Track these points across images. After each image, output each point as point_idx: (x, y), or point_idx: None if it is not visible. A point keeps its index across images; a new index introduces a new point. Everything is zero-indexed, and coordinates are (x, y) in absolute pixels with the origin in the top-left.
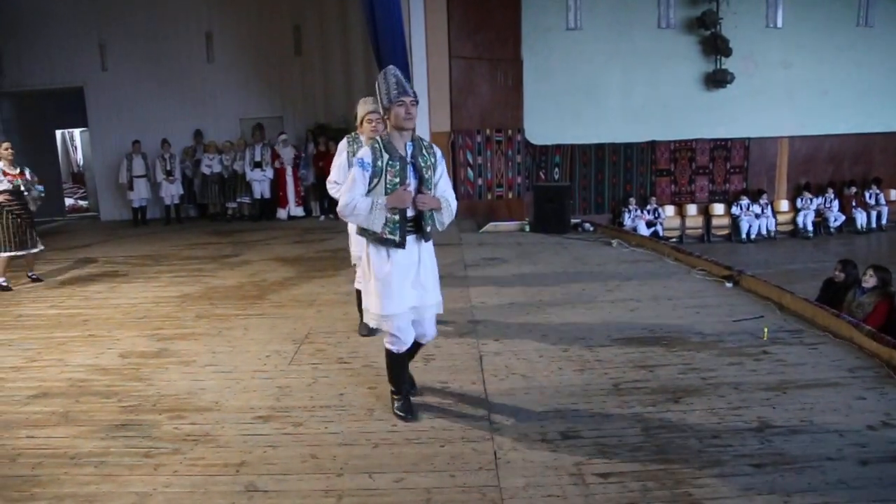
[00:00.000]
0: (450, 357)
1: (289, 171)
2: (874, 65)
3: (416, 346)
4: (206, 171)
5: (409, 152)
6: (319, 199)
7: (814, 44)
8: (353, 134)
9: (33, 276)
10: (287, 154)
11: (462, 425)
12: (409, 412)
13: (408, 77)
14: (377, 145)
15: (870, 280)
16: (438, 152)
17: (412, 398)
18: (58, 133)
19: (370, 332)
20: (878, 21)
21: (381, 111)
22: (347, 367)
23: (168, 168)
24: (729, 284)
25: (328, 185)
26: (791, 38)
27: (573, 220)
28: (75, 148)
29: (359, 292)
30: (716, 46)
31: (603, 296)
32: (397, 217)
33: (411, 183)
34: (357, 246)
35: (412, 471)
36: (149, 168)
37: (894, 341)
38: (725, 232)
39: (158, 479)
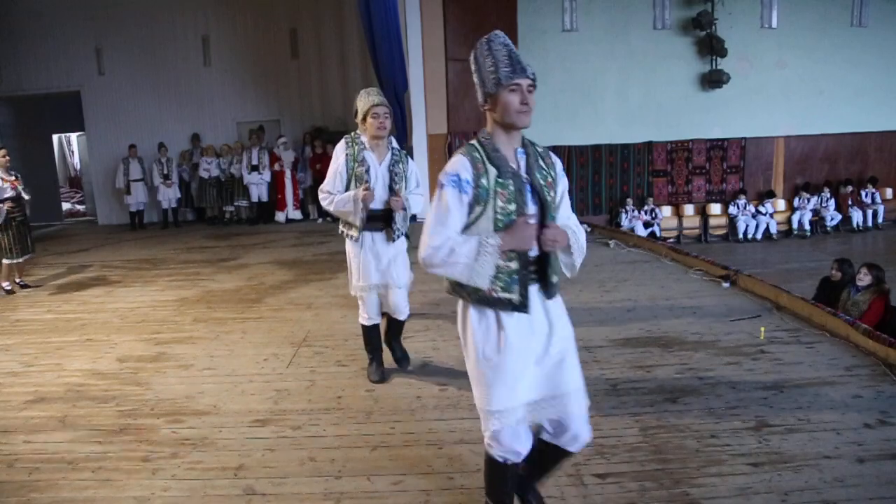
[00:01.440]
0: (448, 358)
1: (287, 174)
2: (868, 64)
3: (561, 453)
4: (203, 174)
5: (523, 164)
6: (317, 203)
7: (808, 44)
8: (352, 134)
9: (22, 284)
10: (287, 157)
11: (460, 427)
12: None
13: (404, 82)
14: (478, 153)
15: (864, 278)
16: (558, 162)
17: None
18: (55, 137)
19: (382, 377)
20: (872, 21)
21: (481, 98)
22: (345, 369)
23: (165, 172)
24: (726, 284)
25: (320, 195)
26: (786, 38)
27: None
28: (72, 152)
29: (364, 328)
30: (711, 47)
31: (600, 296)
32: (514, 264)
33: (532, 211)
34: (359, 275)
35: (411, 473)
36: (146, 172)
37: (890, 339)
38: (723, 232)
39: (156, 483)
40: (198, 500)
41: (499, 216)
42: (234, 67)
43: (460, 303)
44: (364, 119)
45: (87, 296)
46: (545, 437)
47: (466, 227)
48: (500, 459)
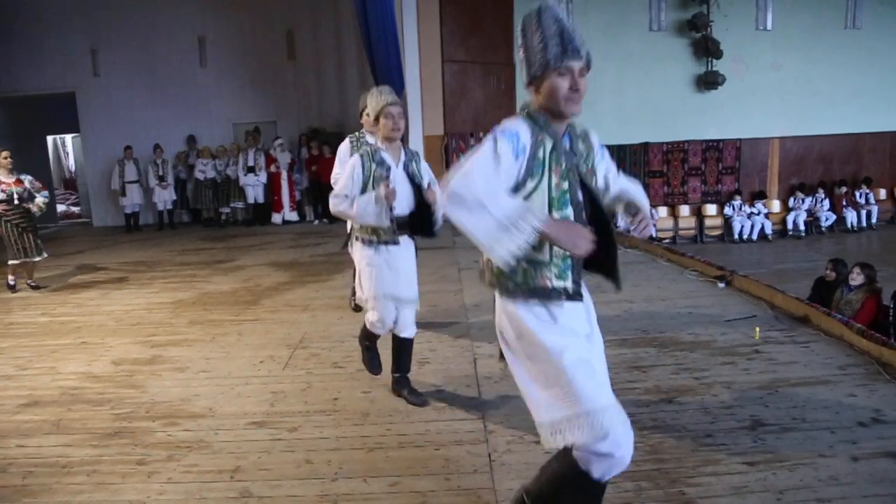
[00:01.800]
0: (444, 360)
1: (284, 175)
2: (862, 66)
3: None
4: (199, 176)
5: (567, 146)
6: (313, 204)
7: (803, 46)
8: (356, 134)
9: (32, 285)
10: (284, 158)
11: (456, 428)
12: None
13: (401, 83)
14: (534, 121)
15: (857, 278)
16: (596, 140)
17: None
18: (49, 139)
19: (381, 367)
20: (866, 23)
21: (526, 79)
22: (342, 371)
23: (161, 173)
24: (721, 284)
25: (333, 200)
26: (781, 40)
27: None
28: (67, 154)
29: (372, 335)
30: (707, 48)
31: (596, 297)
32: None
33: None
34: (375, 283)
35: (407, 474)
36: (141, 173)
37: (883, 338)
38: (718, 232)
39: (152, 486)
40: (194, 503)
41: (553, 195)
42: (230, 68)
43: (503, 304)
44: (376, 119)
45: (82, 298)
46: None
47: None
48: (609, 473)
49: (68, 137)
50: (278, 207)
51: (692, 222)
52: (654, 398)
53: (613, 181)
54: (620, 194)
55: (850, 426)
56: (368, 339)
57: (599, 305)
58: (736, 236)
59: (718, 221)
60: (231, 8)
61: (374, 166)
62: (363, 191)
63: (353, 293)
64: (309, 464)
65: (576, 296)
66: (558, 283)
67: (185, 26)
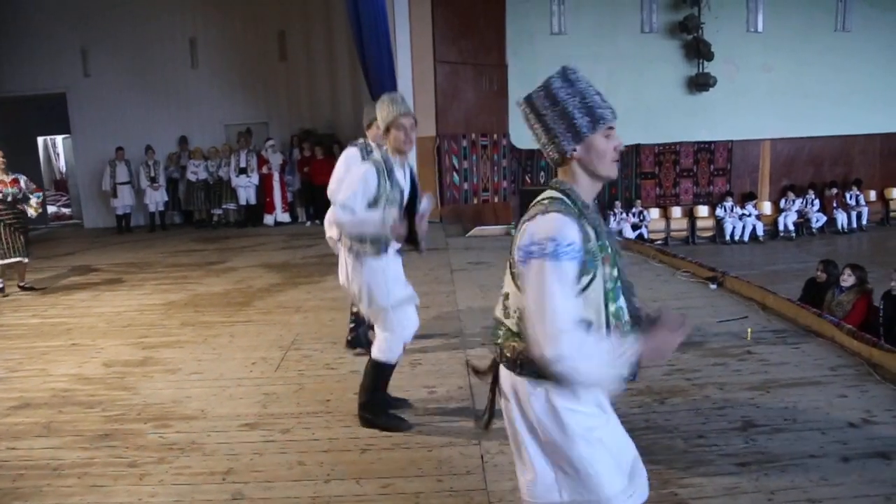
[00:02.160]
0: (436, 361)
1: (276, 176)
2: (852, 68)
3: None
4: (191, 177)
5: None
6: (305, 205)
7: (794, 48)
8: (363, 142)
9: (26, 286)
10: (275, 160)
11: (449, 429)
12: None
13: (393, 84)
14: (574, 210)
15: (848, 279)
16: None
17: None
18: (40, 140)
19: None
20: (856, 26)
21: (564, 147)
22: (334, 372)
23: (152, 175)
24: (713, 286)
25: (340, 210)
26: (771, 42)
27: None
28: (58, 155)
29: (389, 367)
30: (698, 50)
31: None
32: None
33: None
34: (388, 291)
35: (400, 476)
36: (132, 175)
37: (874, 339)
38: (710, 234)
39: (143, 488)
40: None
41: (608, 284)
42: (221, 69)
43: (527, 388)
44: (387, 129)
45: (73, 300)
46: None
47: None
48: None
49: (59, 138)
50: (270, 209)
51: (684, 223)
52: (647, 399)
53: None
54: None
55: (841, 427)
56: (380, 384)
57: None
58: (727, 237)
59: (710, 223)
60: (222, 9)
61: (388, 185)
62: (372, 204)
63: (352, 329)
64: (301, 465)
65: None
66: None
67: (176, 27)
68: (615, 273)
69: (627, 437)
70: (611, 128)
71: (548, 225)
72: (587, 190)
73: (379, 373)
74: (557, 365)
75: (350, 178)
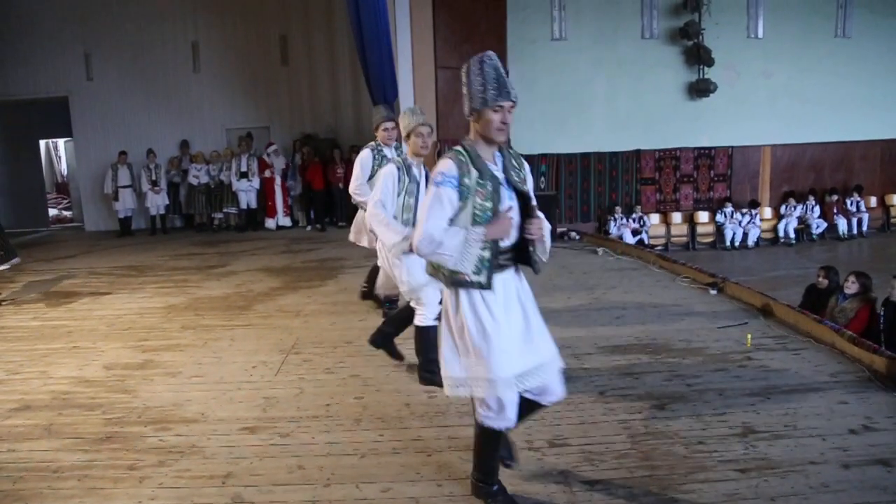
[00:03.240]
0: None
1: (277, 180)
2: (852, 74)
3: (537, 406)
4: (193, 181)
5: (500, 165)
6: (306, 209)
7: (794, 54)
8: (374, 143)
9: None
10: (278, 164)
11: (449, 434)
12: None
13: (394, 89)
14: (463, 157)
15: (852, 286)
16: (525, 164)
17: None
18: (42, 143)
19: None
20: (856, 32)
21: (467, 110)
22: (334, 377)
23: (153, 178)
24: (713, 292)
25: (374, 208)
26: (772, 48)
27: (559, 229)
28: (59, 158)
29: (429, 329)
30: (698, 56)
31: (589, 304)
32: (487, 253)
33: (506, 206)
34: (413, 270)
35: (399, 480)
36: (134, 178)
37: (875, 346)
38: (710, 239)
39: (143, 491)
40: None
41: (476, 212)
42: (223, 74)
43: (448, 292)
44: (407, 136)
45: (74, 303)
46: (526, 395)
47: (450, 221)
48: (498, 428)
49: (61, 142)
50: (271, 213)
51: (684, 229)
52: (647, 405)
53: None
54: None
55: (842, 433)
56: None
57: (592, 311)
58: (727, 243)
59: (710, 228)
60: (225, 13)
61: (407, 181)
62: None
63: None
64: (301, 469)
65: (486, 286)
66: (474, 278)
67: (178, 31)
68: (488, 205)
69: (523, 339)
70: (501, 106)
71: (441, 165)
72: (483, 146)
73: (424, 334)
74: (424, 248)
75: (378, 181)
